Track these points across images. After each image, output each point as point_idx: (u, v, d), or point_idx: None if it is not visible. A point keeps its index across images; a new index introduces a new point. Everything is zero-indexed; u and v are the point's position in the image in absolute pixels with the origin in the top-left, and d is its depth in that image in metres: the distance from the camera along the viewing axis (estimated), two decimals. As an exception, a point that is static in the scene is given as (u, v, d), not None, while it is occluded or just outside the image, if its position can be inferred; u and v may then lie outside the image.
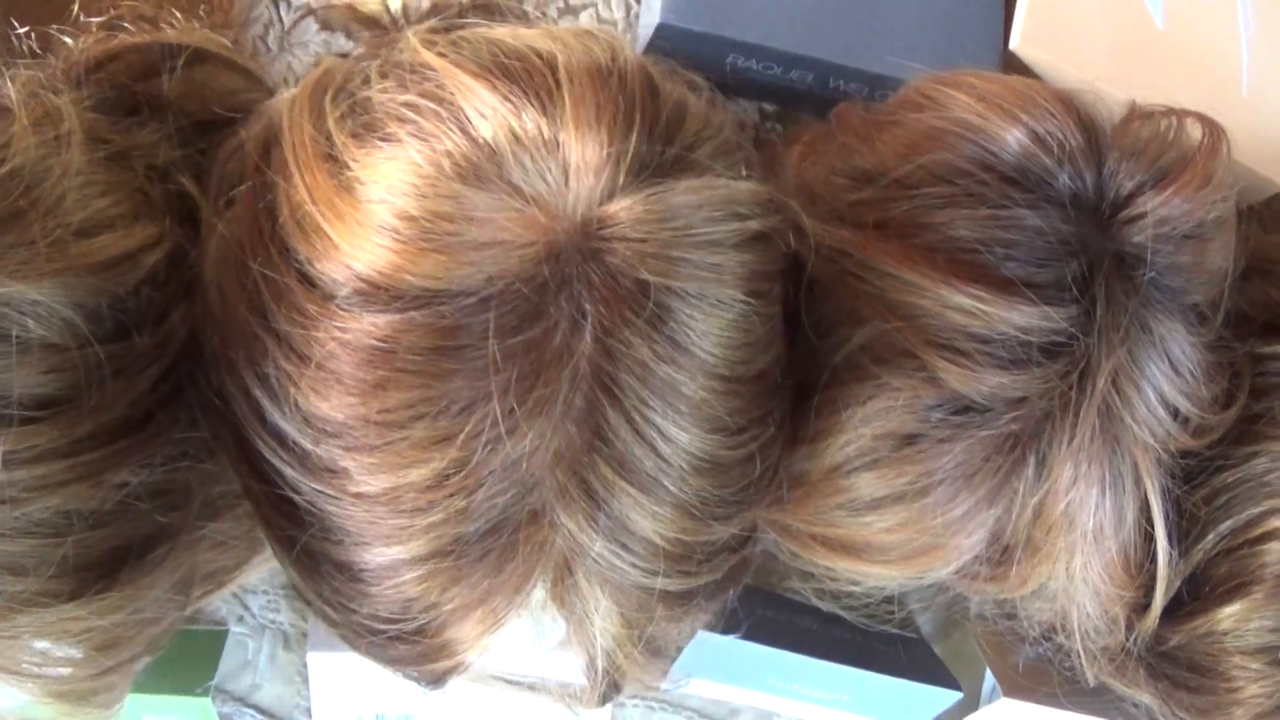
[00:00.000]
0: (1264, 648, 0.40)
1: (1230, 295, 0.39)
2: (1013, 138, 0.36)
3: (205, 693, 0.46)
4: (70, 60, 0.36)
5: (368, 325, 0.29)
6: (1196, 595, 0.41)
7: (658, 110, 0.31)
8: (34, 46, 0.37)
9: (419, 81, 0.31)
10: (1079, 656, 0.41)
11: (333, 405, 0.29)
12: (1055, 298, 0.34)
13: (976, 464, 0.36)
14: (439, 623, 0.32)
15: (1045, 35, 0.47)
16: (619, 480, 0.30)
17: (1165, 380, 0.36)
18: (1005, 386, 0.35)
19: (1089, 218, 0.35)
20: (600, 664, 0.33)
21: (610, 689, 0.35)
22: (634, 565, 0.31)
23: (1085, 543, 0.37)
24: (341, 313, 0.29)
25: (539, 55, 0.31)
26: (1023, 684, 0.47)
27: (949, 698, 0.48)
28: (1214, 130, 0.38)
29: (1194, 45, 0.49)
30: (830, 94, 0.47)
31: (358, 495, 0.30)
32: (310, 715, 0.48)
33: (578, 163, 0.29)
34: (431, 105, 0.30)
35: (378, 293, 0.29)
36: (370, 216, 0.29)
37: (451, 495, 0.29)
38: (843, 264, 0.36)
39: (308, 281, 0.30)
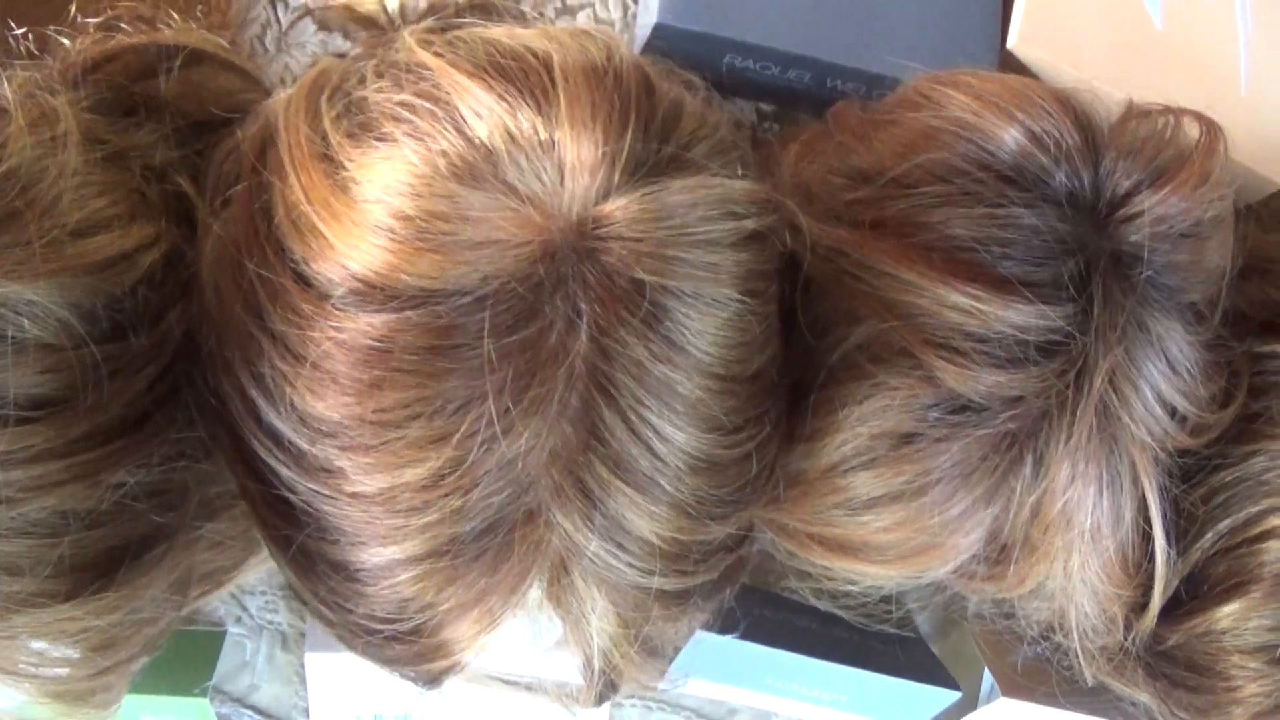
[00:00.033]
0: (1262, 646, 0.40)
1: (1228, 294, 0.39)
2: (1009, 137, 0.36)
3: (203, 693, 0.46)
4: (67, 61, 0.36)
5: (363, 325, 0.29)
6: (1195, 594, 0.41)
7: (653, 109, 0.31)
8: (31, 48, 0.37)
9: (415, 81, 0.31)
10: (1077, 656, 0.41)
11: (328, 405, 0.29)
12: (1052, 296, 0.34)
13: (974, 463, 0.36)
14: (435, 623, 0.32)
15: (1043, 34, 0.47)
16: (615, 480, 0.30)
17: (1163, 379, 0.36)
18: (1002, 385, 0.34)
19: (1086, 216, 0.35)
20: (597, 664, 0.33)
21: (607, 689, 0.35)
22: (630, 565, 0.31)
23: (1083, 542, 0.37)
24: (337, 312, 0.29)
25: (534, 55, 0.31)
26: (1021, 683, 0.47)
27: (947, 697, 0.48)
28: (1211, 129, 0.38)
29: (1192, 44, 0.49)
30: (828, 94, 0.47)
31: (353, 495, 0.30)
32: (308, 716, 0.48)
33: (573, 162, 0.29)
34: (427, 105, 0.30)
35: (373, 292, 0.29)
36: (366, 216, 0.29)
37: (447, 495, 0.29)
38: (839, 263, 0.36)
39: (303, 281, 0.30)
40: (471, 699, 0.46)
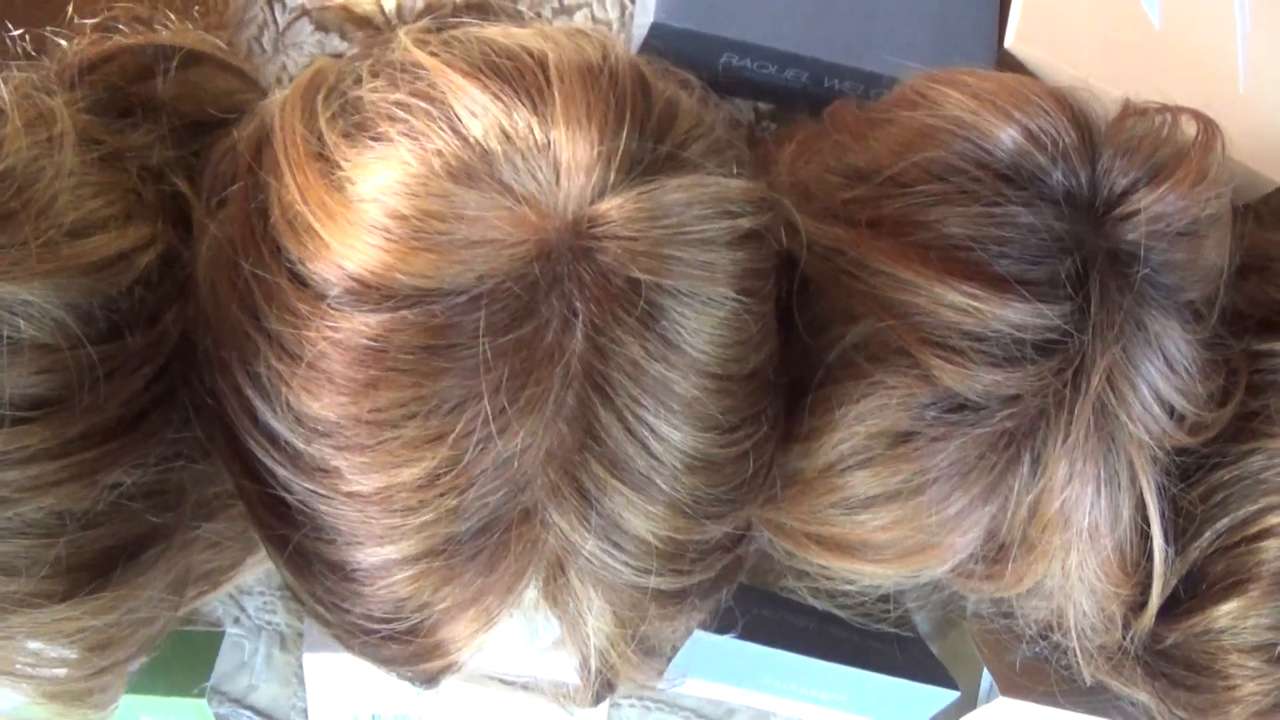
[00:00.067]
0: (1261, 645, 0.40)
1: (1226, 292, 0.39)
2: (1006, 135, 0.36)
3: (201, 694, 0.46)
4: (64, 62, 0.36)
5: (359, 324, 0.29)
6: (1193, 593, 0.41)
7: (649, 108, 0.31)
8: (28, 49, 0.37)
9: (410, 81, 0.31)
10: (1075, 655, 0.41)
11: (324, 405, 0.29)
12: (1049, 295, 0.34)
13: (971, 462, 0.35)
14: (431, 622, 0.32)
15: (1040, 33, 0.47)
16: (611, 479, 0.30)
17: (1160, 377, 0.36)
18: (999, 384, 0.34)
19: (1083, 215, 0.35)
20: (593, 663, 0.33)
21: (604, 688, 0.35)
22: (626, 564, 0.31)
23: (1081, 541, 0.37)
24: (333, 312, 0.29)
25: (530, 54, 0.31)
26: (1020, 683, 0.47)
27: (946, 697, 0.48)
28: (1208, 126, 0.38)
29: (1190, 43, 0.49)
30: (825, 93, 0.47)
31: (349, 495, 0.30)
32: (306, 716, 0.48)
33: (568, 161, 0.29)
34: (422, 104, 0.30)
35: (369, 292, 0.29)
36: (361, 216, 0.29)
37: (443, 494, 0.29)
38: (836, 262, 0.36)
39: (299, 281, 0.30)
40: (470, 699, 0.46)
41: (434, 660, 0.33)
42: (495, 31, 0.33)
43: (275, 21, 0.47)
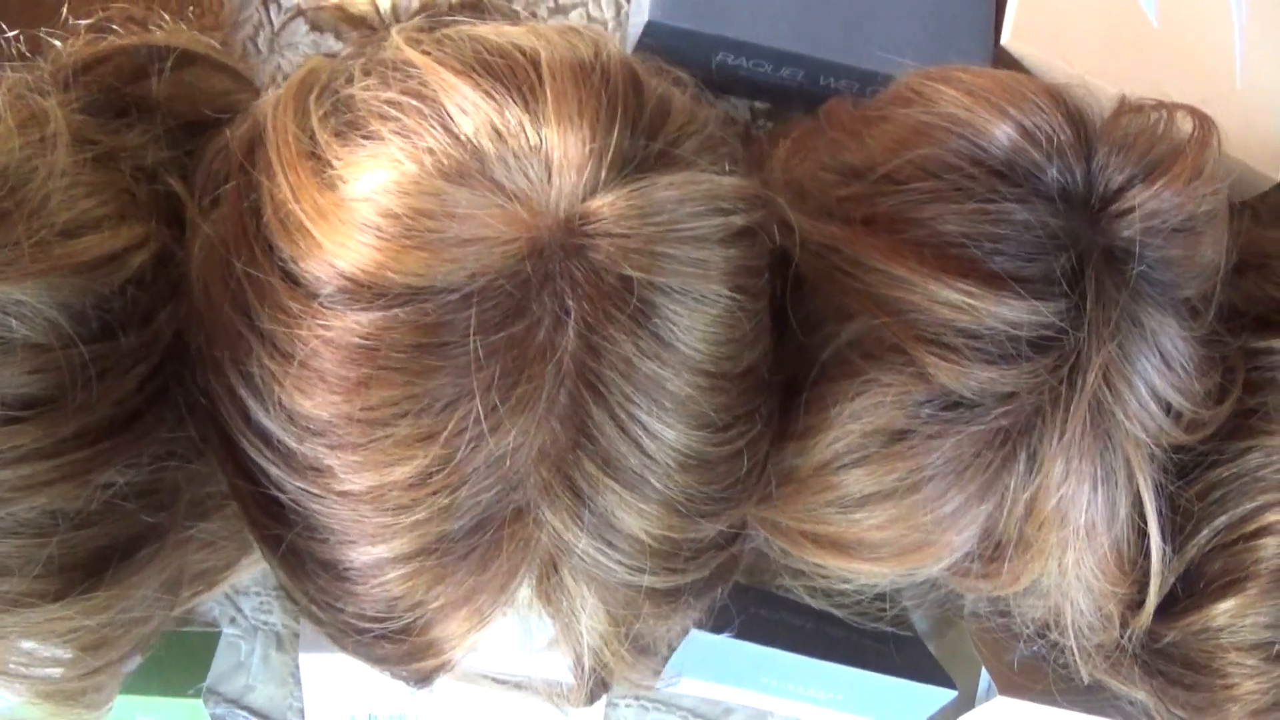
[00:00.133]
0: (1259, 644, 0.40)
1: (1223, 289, 0.39)
2: (1001, 132, 0.35)
3: (197, 694, 0.46)
4: (59, 63, 0.36)
5: (351, 323, 0.29)
6: (1191, 591, 0.41)
7: (641, 105, 0.31)
8: (23, 49, 0.37)
9: (402, 79, 0.31)
10: (1073, 654, 0.41)
11: (316, 403, 0.29)
12: (1044, 292, 0.34)
13: (967, 460, 0.35)
14: (424, 621, 0.32)
15: (1036, 30, 0.47)
16: (604, 477, 0.30)
17: (1157, 374, 0.36)
18: (994, 381, 0.34)
19: (1078, 212, 0.35)
20: (587, 662, 0.33)
21: (598, 687, 0.35)
22: (620, 563, 0.31)
23: (1077, 539, 0.37)
24: (325, 311, 0.29)
25: (522, 52, 0.31)
26: (1018, 682, 0.47)
27: (944, 696, 0.48)
28: (1204, 123, 0.38)
29: (1187, 40, 0.49)
30: (821, 91, 0.47)
31: (342, 493, 0.30)
32: (303, 716, 0.48)
33: (560, 159, 0.29)
34: (414, 103, 0.30)
35: (361, 290, 0.29)
36: (353, 214, 0.29)
37: (435, 493, 0.29)
38: (831, 260, 0.36)
39: (291, 280, 0.30)
40: (466, 699, 0.46)
41: (427, 659, 0.33)
42: (487, 30, 0.33)
43: (270, 22, 0.47)
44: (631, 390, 0.30)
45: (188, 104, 0.38)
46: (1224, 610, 0.40)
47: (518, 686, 0.38)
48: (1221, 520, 0.40)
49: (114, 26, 0.38)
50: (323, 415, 0.30)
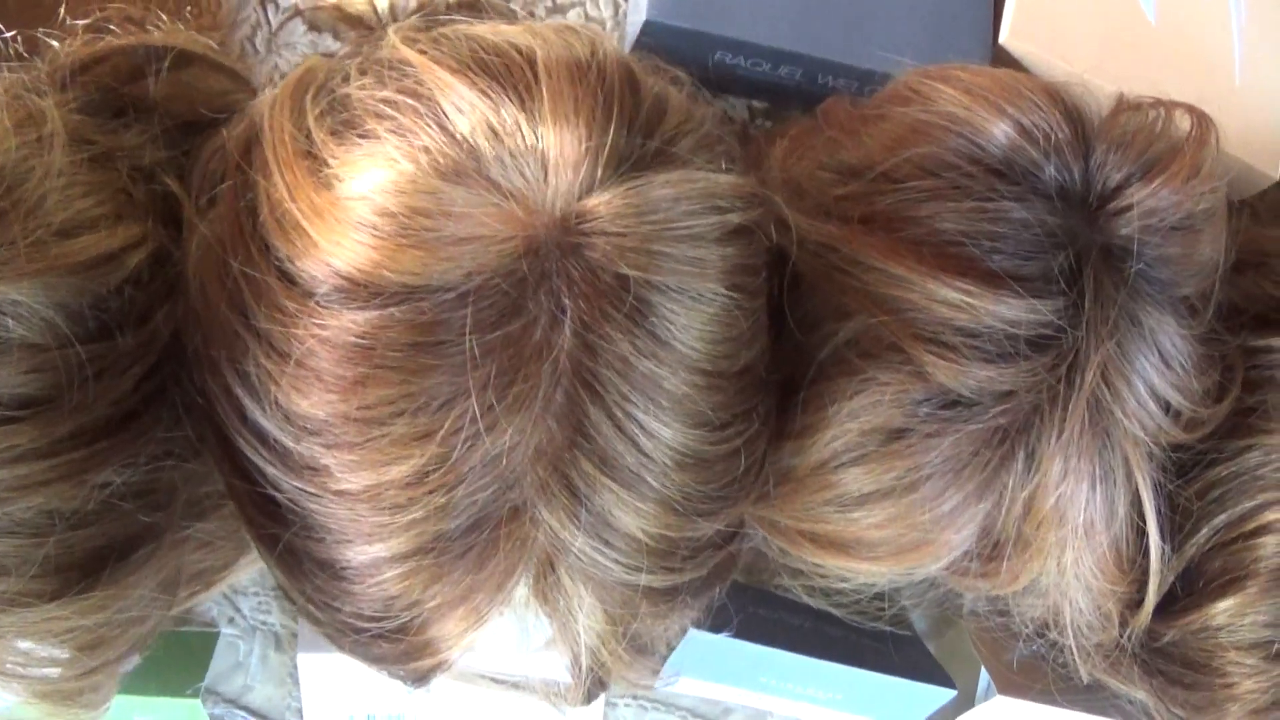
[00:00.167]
0: (1259, 643, 0.40)
1: (1222, 288, 0.39)
2: (999, 130, 0.35)
3: (195, 694, 0.46)
4: (56, 63, 0.36)
5: (347, 322, 0.29)
6: (1190, 590, 0.41)
7: (637, 104, 0.31)
8: (20, 50, 0.37)
9: (398, 78, 0.31)
10: (1072, 653, 0.41)
11: (313, 402, 0.29)
12: (1042, 290, 0.34)
13: (965, 458, 0.35)
14: (421, 620, 0.32)
15: (1035, 29, 0.47)
16: (601, 476, 0.30)
17: (1155, 373, 0.36)
18: (993, 380, 0.34)
19: (1076, 210, 0.35)
20: (584, 661, 0.33)
21: (595, 686, 0.35)
22: (617, 562, 0.31)
23: (1076, 538, 0.36)
24: (321, 310, 0.29)
25: (518, 51, 0.31)
26: (1017, 681, 0.46)
27: (943, 695, 0.48)
28: (1202, 121, 0.37)
29: (1186, 38, 0.49)
30: (819, 90, 0.47)
31: (338, 493, 0.30)
32: (301, 716, 0.48)
33: (556, 157, 0.29)
34: (410, 101, 0.30)
35: (357, 289, 0.29)
36: (349, 213, 0.29)
37: (432, 492, 0.29)
38: (828, 258, 0.36)
39: (287, 279, 0.30)
40: (463, 699, 0.46)
41: (424, 659, 0.33)
42: (484, 29, 0.33)
43: (268, 22, 0.47)
44: (628, 389, 0.30)
45: (185, 104, 0.38)
46: (1223, 609, 0.40)
47: (515, 686, 0.38)
48: (1221, 519, 0.40)
49: (111, 27, 0.38)
50: (319, 414, 0.29)
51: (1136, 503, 0.37)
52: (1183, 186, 0.35)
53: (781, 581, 0.45)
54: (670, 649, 0.39)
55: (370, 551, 0.30)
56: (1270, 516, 0.39)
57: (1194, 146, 0.36)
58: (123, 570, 0.32)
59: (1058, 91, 0.36)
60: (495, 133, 0.29)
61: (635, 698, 0.52)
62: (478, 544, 0.30)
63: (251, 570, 0.44)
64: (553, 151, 0.29)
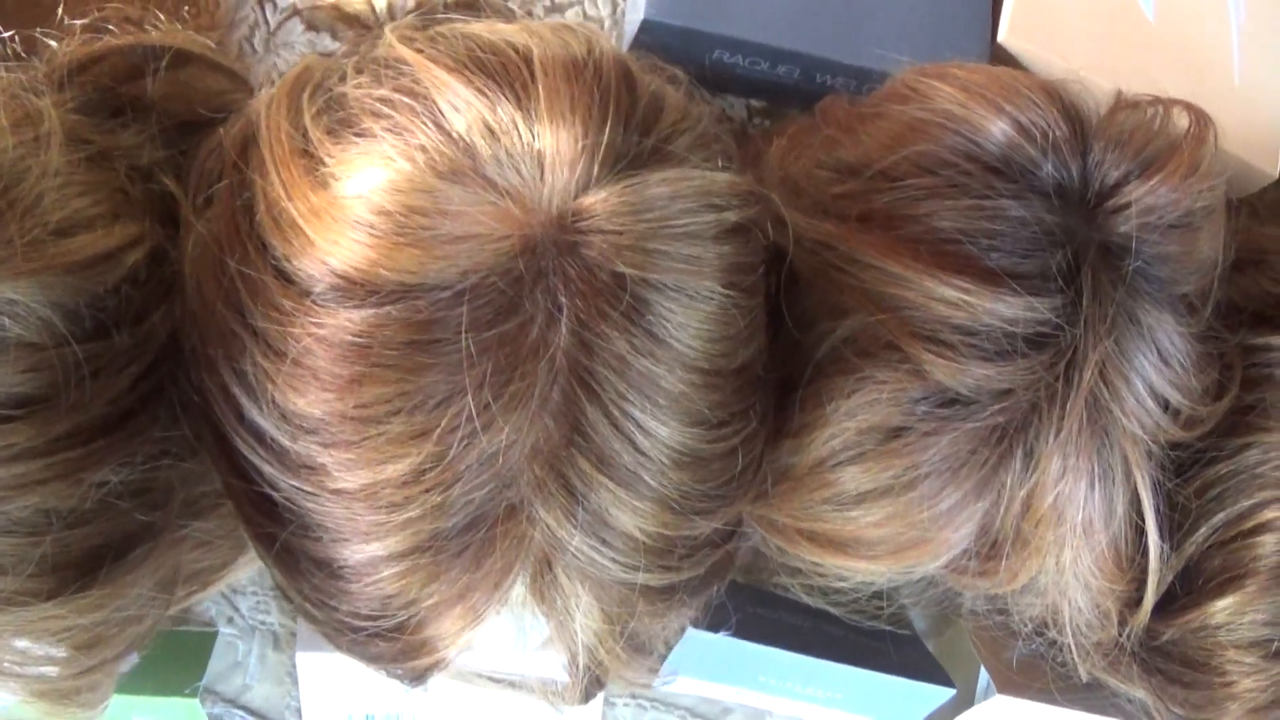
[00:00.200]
0: (1258, 641, 0.40)
1: (1221, 286, 0.39)
2: (996, 128, 0.35)
3: (194, 693, 0.46)
4: (54, 63, 0.36)
5: (343, 321, 0.29)
6: (1189, 589, 0.41)
7: (634, 102, 0.31)
8: (18, 50, 0.37)
9: (394, 77, 0.31)
10: (1072, 652, 0.41)
11: (309, 401, 0.29)
12: (1040, 288, 0.34)
13: (963, 457, 0.35)
14: (418, 619, 0.32)
15: (1034, 27, 0.47)
16: (598, 475, 0.30)
17: (1154, 371, 0.36)
18: (991, 378, 0.34)
19: (1074, 208, 0.35)
20: (582, 660, 0.33)
21: (593, 685, 0.35)
22: (614, 560, 0.31)
23: (1075, 536, 0.36)
24: (317, 308, 0.29)
25: (514, 49, 0.31)
26: (1017, 680, 0.46)
27: (942, 694, 0.47)
28: (1200, 118, 0.37)
29: (1185, 36, 0.49)
30: (818, 89, 0.47)
31: (335, 491, 0.30)
32: (300, 716, 0.48)
33: (552, 156, 0.29)
34: (406, 100, 0.30)
35: (353, 288, 0.29)
36: (345, 212, 0.29)
37: (428, 490, 0.29)
38: (826, 257, 0.36)
39: (284, 278, 0.30)
40: (462, 698, 0.46)
41: (421, 657, 0.33)
42: (480, 27, 0.33)
43: (266, 21, 0.47)
44: (625, 387, 0.30)
45: (183, 103, 0.38)
46: (1222, 608, 0.40)
47: (513, 685, 0.38)
48: (1220, 517, 0.40)
49: (109, 26, 0.38)
50: (315, 413, 0.29)
51: (1135, 501, 0.37)
52: (1181, 184, 0.35)
53: (780, 580, 0.45)
54: (668, 648, 0.39)
55: (367, 550, 0.30)
56: (1269, 515, 0.39)
57: (1192, 144, 0.36)
58: (120, 569, 0.32)
59: (1056, 89, 0.36)
60: (491, 131, 0.29)
61: (634, 697, 0.52)
62: (474, 542, 0.30)
63: (250, 569, 0.44)
64: (549, 150, 0.29)
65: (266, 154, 0.31)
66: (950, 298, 0.34)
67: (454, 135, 0.29)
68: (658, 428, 0.30)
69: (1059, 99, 0.36)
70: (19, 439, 0.29)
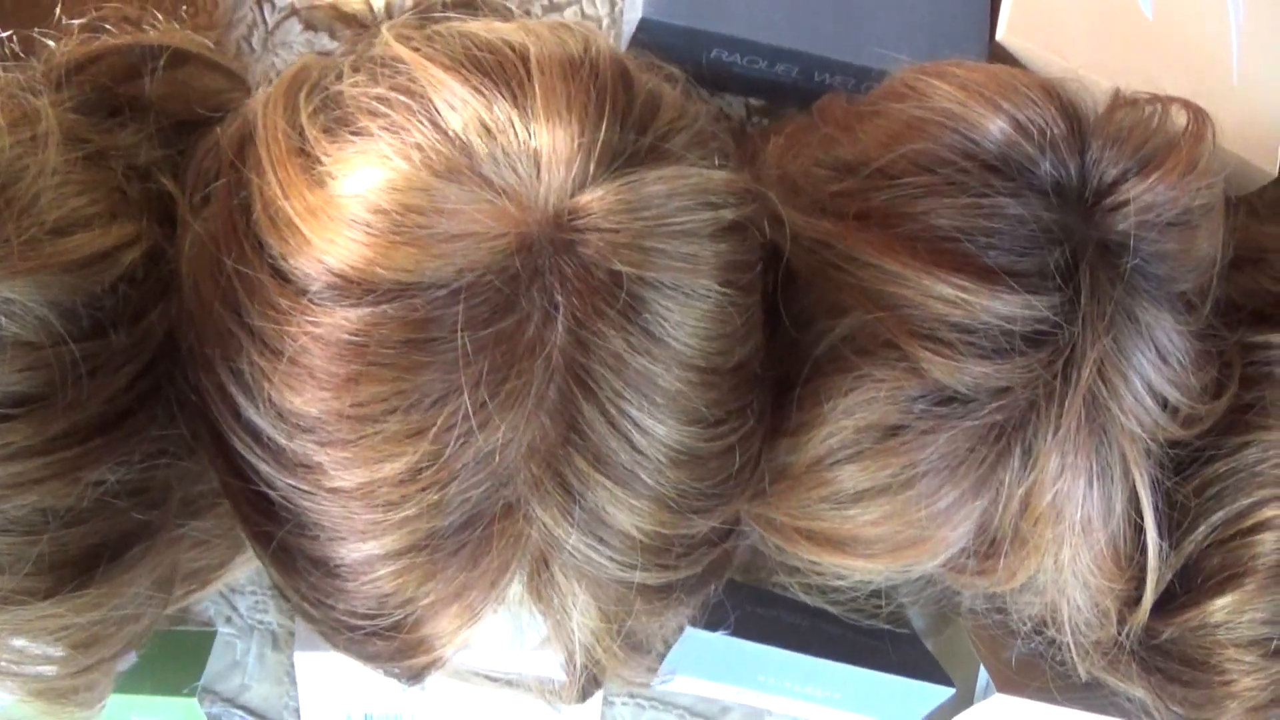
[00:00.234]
0: (1257, 640, 0.40)
1: (1219, 284, 0.39)
2: (994, 126, 0.35)
3: (192, 693, 0.46)
4: (52, 62, 0.36)
5: (340, 319, 0.29)
6: (1188, 587, 0.41)
7: (631, 100, 0.31)
8: (16, 49, 0.37)
9: (391, 75, 0.31)
10: (1070, 651, 0.41)
11: (306, 400, 0.29)
12: (1038, 286, 0.34)
13: (961, 455, 0.35)
14: (415, 618, 0.32)
15: (1032, 25, 0.47)
16: (594, 473, 0.30)
17: (1153, 369, 0.36)
18: (988, 376, 0.34)
19: (1072, 205, 0.35)
20: (579, 659, 0.33)
21: (590, 684, 0.35)
22: (611, 559, 0.31)
23: (1073, 534, 0.36)
24: (314, 307, 0.29)
25: (511, 48, 0.31)
26: (1016, 679, 0.46)
27: (941, 693, 0.47)
28: (1199, 116, 0.37)
29: (1183, 34, 0.49)
30: (816, 88, 0.47)
31: (332, 490, 0.30)
32: (299, 715, 0.48)
33: (549, 154, 0.29)
34: (403, 99, 0.30)
35: (350, 287, 0.29)
36: (342, 210, 0.29)
37: (425, 489, 0.29)
38: (824, 255, 0.36)
39: (281, 276, 0.30)
40: (460, 697, 0.46)
41: (418, 656, 0.33)
42: (477, 26, 0.32)
43: (264, 21, 0.47)
44: (622, 386, 0.30)
45: (180, 103, 0.38)
46: (1221, 606, 0.40)
47: (510, 684, 0.38)
48: (1219, 516, 0.40)
49: (107, 26, 0.39)
50: (312, 412, 0.29)
51: (1134, 499, 0.37)
52: (1179, 182, 0.35)
53: (778, 579, 0.45)
54: (667, 647, 0.39)
55: (363, 549, 0.30)
56: (1268, 513, 0.39)
57: (1190, 142, 0.36)
58: (117, 568, 0.32)
59: (1054, 87, 0.36)
60: (488, 129, 0.29)
61: (632, 696, 0.52)
62: (471, 541, 0.30)
63: (248, 569, 0.44)
64: (545, 148, 0.29)
65: (263, 153, 0.31)
66: (948, 296, 0.34)
67: (450, 134, 0.29)
68: (655, 426, 0.30)
69: (1057, 97, 0.36)
70: (16, 438, 0.29)
